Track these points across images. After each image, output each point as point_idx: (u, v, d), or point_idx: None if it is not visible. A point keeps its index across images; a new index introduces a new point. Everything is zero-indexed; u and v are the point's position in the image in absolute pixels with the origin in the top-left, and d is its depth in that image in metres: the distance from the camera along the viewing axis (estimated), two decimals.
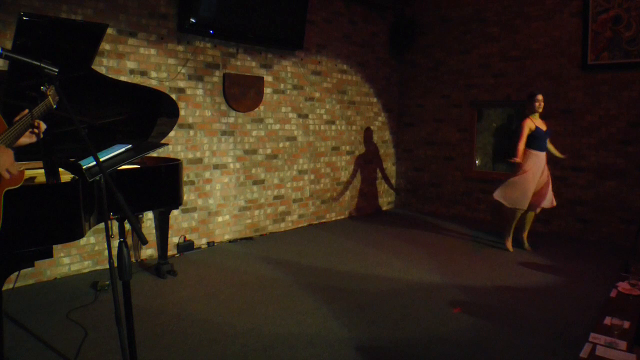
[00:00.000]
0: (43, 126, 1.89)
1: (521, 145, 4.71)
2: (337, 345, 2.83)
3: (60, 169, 2.63)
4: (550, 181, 4.84)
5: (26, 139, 1.89)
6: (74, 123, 1.72)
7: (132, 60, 4.33)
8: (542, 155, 4.76)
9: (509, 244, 4.98)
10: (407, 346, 2.85)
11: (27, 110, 1.83)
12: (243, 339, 2.91)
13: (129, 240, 4.39)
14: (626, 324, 2.22)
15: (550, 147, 4.88)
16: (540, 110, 4.76)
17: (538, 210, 4.90)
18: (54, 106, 1.83)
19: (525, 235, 5.05)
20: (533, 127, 4.72)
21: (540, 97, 4.76)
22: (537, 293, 3.74)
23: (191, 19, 4.51)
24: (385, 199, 7.41)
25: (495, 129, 6.89)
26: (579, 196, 5.60)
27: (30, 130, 1.86)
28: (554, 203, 4.89)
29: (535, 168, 4.73)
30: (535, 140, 4.73)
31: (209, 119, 4.97)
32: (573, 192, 5.64)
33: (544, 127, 4.78)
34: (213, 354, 2.72)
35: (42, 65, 1.73)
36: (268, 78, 5.49)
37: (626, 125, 5.22)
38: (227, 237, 5.27)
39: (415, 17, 6.97)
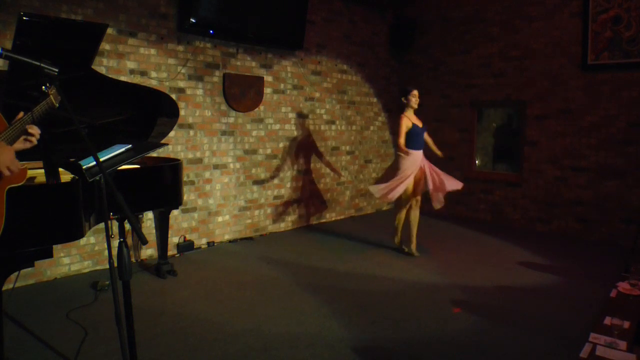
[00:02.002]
0: (37, 133, 1.87)
1: (402, 140, 4.55)
2: (337, 345, 2.83)
3: (60, 169, 2.63)
4: (432, 176, 4.59)
5: (20, 144, 1.87)
6: (74, 123, 1.72)
7: (132, 60, 4.33)
8: (419, 153, 4.63)
9: (397, 241, 4.96)
10: (407, 346, 2.85)
11: (22, 113, 1.83)
12: (243, 338, 2.91)
13: (129, 240, 4.39)
14: (626, 324, 2.22)
15: (429, 142, 4.82)
16: (416, 106, 4.66)
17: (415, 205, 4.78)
18: (57, 105, 1.82)
19: (412, 239, 4.80)
20: (410, 125, 4.59)
21: (416, 92, 4.65)
22: (537, 293, 3.74)
23: (191, 19, 4.51)
24: None
25: (495, 129, 6.89)
26: (579, 196, 5.60)
27: (25, 137, 1.84)
28: (441, 202, 4.68)
29: (414, 167, 4.58)
30: (412, 138, 4.58)
31: (209, 119, 4.97)
32: (573, 192, 5.64)
33: (419, 124, 4.69)
34: (213, 353, 2.72)
35: (42, 65, 1.73)
36: (268, 78, 5.49)
37: (626, 125, 5.22)
38: (227, 237, 5.26)
39: (415, 17, 6.97)
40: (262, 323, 3.14)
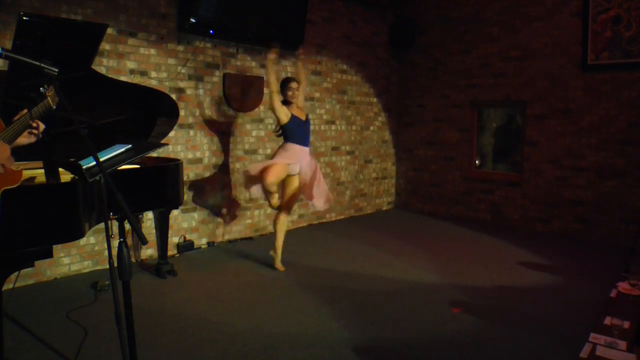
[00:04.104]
0: (42, 126, 1.90)
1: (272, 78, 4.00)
2: (337, 346, 2.83)
3: (60, 169, 2.63)
4: (315, 180, 4.15)
5: (24, 139, 1.89)
6: (74, 123, 1.72)
7: (132, 60, 4.33)
8: (301, 149, 4.12)
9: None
10: (407, 346, 2.85)
11: (25, 110, 1.83)
12: (243, 338, 2.91)
13: (129, 240, 4.39)
14: (626, 324, 2.22)
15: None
16: (293, 100, 4.13)
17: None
18: (54, 107, 1.83)
19: (277, 250, 4.29)
20: (289, 115, 4.05)
21: (293, 84, 4.10)
22: (537, 293, 3.74)
23: (191, 19, 4.51)
24: (385, 199, 7.41)
25: (495, 129, 6.89)
26: (579, 196, 5.60)
27: (29, 130, 1.86)
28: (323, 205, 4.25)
29: (293, 159, 4.07)
30: (292, 131, 4.09)
31: (209, 119, 4.97)
32: (573, 192, 5.64)
33: (302, 117, 4.18)
34: (213, 353, 2.72)
35: (42, 65, 1.73)
36: None
37: (626, 125, 5.22)
38: (227, 237, 5.26)
39: (415, 17, 6.97)
40: (262, 323, 3.14)
